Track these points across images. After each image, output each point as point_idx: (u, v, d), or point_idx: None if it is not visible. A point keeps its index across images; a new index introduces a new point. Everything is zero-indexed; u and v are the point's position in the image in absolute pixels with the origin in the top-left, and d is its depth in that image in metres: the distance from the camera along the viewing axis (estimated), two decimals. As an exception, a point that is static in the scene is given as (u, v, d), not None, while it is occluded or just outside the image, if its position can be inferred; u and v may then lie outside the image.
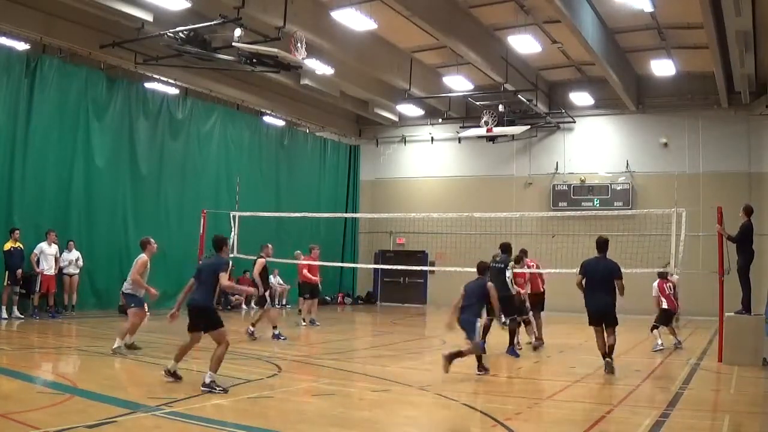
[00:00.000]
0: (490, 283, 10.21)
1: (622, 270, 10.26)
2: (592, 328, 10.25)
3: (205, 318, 8.31)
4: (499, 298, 11.09)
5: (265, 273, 13.96)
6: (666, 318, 13.45)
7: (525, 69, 20.89)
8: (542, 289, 13.70)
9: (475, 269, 10.50)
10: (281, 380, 9.23)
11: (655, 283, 13.63)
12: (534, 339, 13.14)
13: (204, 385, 7.77)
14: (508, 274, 12.00)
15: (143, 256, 11.09)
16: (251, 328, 13.64)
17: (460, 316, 9.93)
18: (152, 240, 11.53)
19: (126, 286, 11.11)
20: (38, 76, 16.43)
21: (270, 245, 14.59)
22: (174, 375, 8.33)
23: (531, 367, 11.12)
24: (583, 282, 10.26)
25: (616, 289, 10.00)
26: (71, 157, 17.26)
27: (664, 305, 13.40)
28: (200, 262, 10.54)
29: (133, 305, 10.98)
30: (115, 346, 10.49)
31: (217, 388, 7.74)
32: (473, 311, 9.91)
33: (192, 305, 8.38)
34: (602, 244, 10.39)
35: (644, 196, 22.92)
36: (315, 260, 16.74)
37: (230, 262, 9.49)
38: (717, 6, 14.21)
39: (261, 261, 13.99)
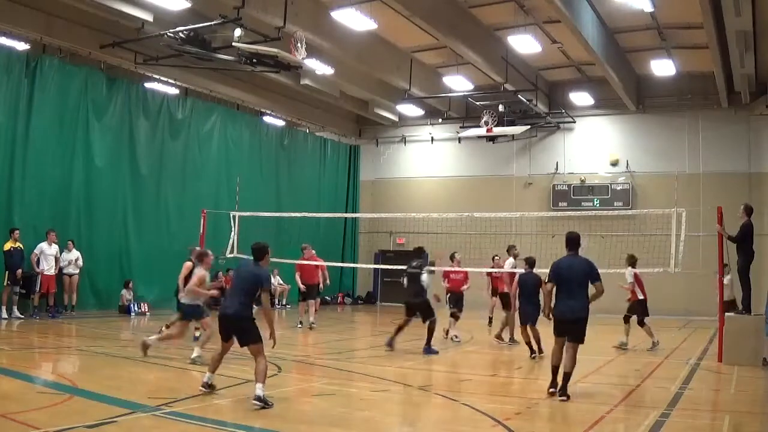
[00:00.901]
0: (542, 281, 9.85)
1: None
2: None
3: (240, 330, 7.61)
4: (416, 304, 12.10)
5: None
6: (644, 310, 13.09)
7: (525, 69, 20.88)
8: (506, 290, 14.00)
9: (475, 269, 10.57)
10: (281, 380, 9.22)
11: (632, 271, 13.12)
12: (494, 338, 13.67)
13: (257, 398, 7.16)
14: (424, 277, 12.07)
15: (201, 271, 10.60)
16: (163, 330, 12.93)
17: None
18: (210, 252, 11.19)
19: (183, 298, 10.73)
20: (38, 76, 16.43)
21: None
22: (210, 386, 7.83)
23: (531, 367, 11.12)
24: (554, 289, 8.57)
25: (588, 294, 8.28)
26: (71, 157, 17.27)
27: (640, 296, 13.14)
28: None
29: (204, 314, 10.66)
30: (195, 355, 10.12)
31: (269, 403, 7.19)
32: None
33: (226, 315, 7.64)
34: (575, 241, 8.64)
35: (644, 196, 22.92)
36: (306, 261, 16.38)
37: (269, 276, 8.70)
38: (717, 6, 14.21)
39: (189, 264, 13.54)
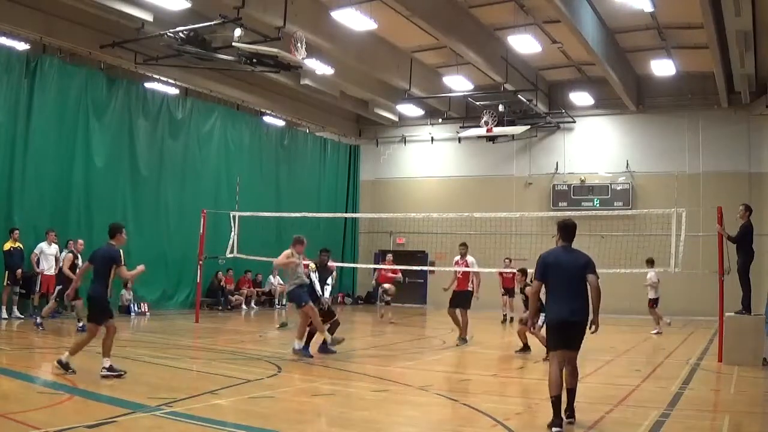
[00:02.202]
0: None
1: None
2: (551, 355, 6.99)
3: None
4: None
5: (73, 268, 13.67)
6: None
7: (525, 69, 20.88)
8: (469, 288, 13.77)
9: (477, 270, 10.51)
10: (281, 380, 9.22)
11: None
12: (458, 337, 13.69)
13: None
14: (313, 277, 11.55)
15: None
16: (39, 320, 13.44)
17: None
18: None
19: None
20: (38, 76, 16.42)
21: (81, 241, 14.87)
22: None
23: (531, 367, 11.12)
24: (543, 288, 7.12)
25: (589, 293, 6.79)
26: (71, 157, 17.26)
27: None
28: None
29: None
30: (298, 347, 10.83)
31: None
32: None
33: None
34: (570, 229, 7.15)
35: (644, 196, 22.92)
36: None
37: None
38: (717, 6, 14.21)
39: (69, 256, 14.12)
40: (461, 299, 13.65)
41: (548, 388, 6.62)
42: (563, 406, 6.59)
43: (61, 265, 14.52)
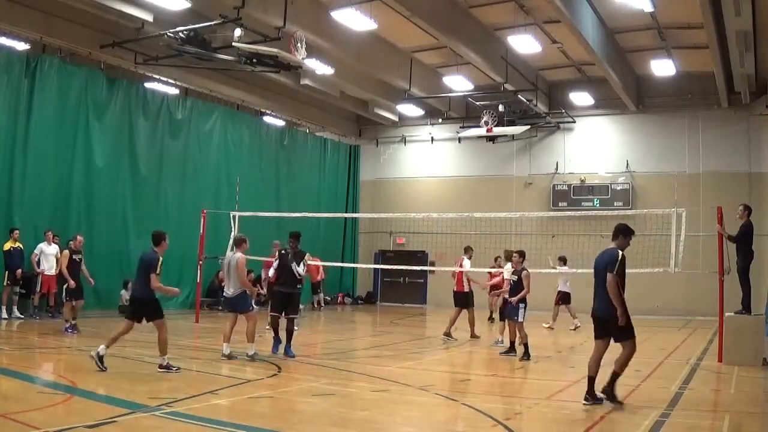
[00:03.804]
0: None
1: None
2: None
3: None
4: (286, 294, 11.02)
5: (72, 265, 13.65)
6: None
7: (525, 69, 20.88)
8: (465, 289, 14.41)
9: (474, 269, 10.48)
10: (281, 380, 9.23)
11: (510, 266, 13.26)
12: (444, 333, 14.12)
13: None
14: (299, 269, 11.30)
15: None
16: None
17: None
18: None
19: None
20: (38, 76, 16.42)
21: (80, 238, 14.37)
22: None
23: (531, 367, 11.12)
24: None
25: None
26: (71, 157, 17.26)
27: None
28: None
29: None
30: (252, 353, 10.49)
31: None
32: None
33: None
34: (615, 230, 8.17)
35: (644, 196, 22.92)
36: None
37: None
38: (717, 6, 14.21)
39: (66, 253, 13.89)
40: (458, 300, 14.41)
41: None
42: (602, 386, 7.70)
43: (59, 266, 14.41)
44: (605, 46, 18.56)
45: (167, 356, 9.19)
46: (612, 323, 7.67)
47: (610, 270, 7.66)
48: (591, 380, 7.74)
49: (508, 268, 14.21)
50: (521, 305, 11.71)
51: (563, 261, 17.01)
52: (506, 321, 12.60)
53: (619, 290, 7.69)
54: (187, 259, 19.11)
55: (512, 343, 12.01)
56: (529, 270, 12.15)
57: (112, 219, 18.24)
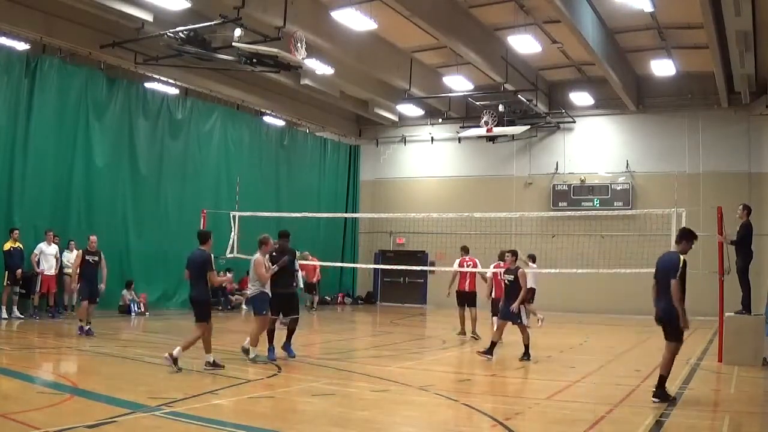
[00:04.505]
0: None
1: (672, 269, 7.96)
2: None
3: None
4: (285, 295, 10.79)
5: (85, 265, 13.24)
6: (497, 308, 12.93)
7: (525, 69, 20.88)
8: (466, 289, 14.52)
9: (475, 270, 10.44)
10: (281, 380, 9.22)
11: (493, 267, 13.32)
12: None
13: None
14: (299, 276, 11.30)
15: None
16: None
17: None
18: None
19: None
20: (38, 76, 16.42)
21: (93, 237, 13.78)
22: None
23: (531, 367, 11.11)
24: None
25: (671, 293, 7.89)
26: (71, 157, 17.26)
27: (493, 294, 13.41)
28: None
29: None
30: (252, 356, 10.37)
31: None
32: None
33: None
34: (679, 233, 8.49)
35: (644, 196, 22.92)
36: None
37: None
38: (717, 6, 14.21)
39: (79, 253, 13.49)
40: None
41: None
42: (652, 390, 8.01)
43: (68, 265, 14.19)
44: (605, 46, 18.56)
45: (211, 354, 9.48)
46: (669, 323, 8.02)
47: (673, 276, 7.89)
48: (662, 379, 8.04)
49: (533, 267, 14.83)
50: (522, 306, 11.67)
51: (533, 259, 16.68)
52: (501, 320, 12.20)
53: (682, 295, 7.92)
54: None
55: (493, 344, 11.50)
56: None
57: (112, 219, 18.23)
